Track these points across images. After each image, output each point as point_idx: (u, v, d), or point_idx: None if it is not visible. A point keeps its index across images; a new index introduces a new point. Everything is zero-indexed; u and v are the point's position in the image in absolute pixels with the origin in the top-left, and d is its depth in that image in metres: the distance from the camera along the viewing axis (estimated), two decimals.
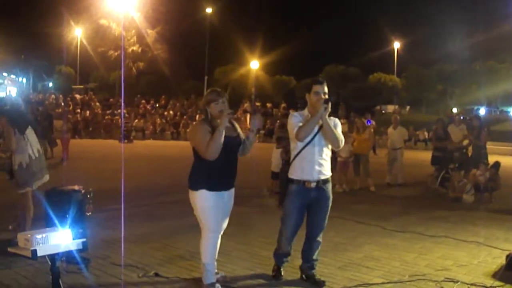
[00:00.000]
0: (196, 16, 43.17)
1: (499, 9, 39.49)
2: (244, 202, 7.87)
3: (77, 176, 9.94)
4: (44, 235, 3.68)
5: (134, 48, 43.55)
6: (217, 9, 43.61)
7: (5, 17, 46.37)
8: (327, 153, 4.67)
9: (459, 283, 4.77)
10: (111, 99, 37.79)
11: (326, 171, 4.66)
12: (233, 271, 4.96)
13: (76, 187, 5.12)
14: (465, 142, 12.28)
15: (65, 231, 3.85)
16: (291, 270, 4.94)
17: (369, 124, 12.49)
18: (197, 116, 31.18)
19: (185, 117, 33.01)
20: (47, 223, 4.59)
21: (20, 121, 6.17)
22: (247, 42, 44.64)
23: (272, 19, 52.38)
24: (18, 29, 46.36)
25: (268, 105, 37.63)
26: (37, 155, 6.12)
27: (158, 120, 32.36)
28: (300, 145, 4.58)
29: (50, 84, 52.96)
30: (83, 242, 3.90)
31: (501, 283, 4.78)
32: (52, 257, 3.74)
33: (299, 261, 4.88)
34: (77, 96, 37.18)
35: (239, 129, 4.46)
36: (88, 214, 5.14)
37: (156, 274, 4.79)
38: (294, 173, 4.66)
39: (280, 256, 4.87)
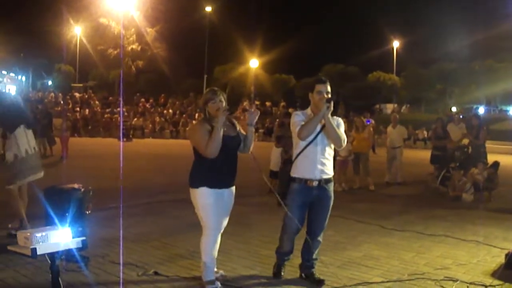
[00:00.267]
0: (195, 15, 43.23)
1: (498, 9, 39.51)
2: (243, 201, 7.87)
3: (77, 175, 9.93)
4: (43, 234, 3.68)
5: (134, 46, 43.50)
6: (216, 8, 43.70)
7: (4, 15, 46.42)
8: (329, 152, 4.68)
9: (458, 282, 4.77)
10: (110, 98, 37.84)
11: (329, 171, 4.66)
12: (233, 270, 4.95)
13: (75, 186, 5.11)
14: (464, 141, 12.30)
15: (65, 230, 3.86)
16: (290, 269, 4.93)
17: (368, 123, 12.51)
18: (197, 115, 31.22)
19: (184, 115, 33.04)
20: (47, 222, 4.58)
21: (6, 122, 6.18)
22: (247, 40, 44.73)
23: (271, 18, 52.29)
24: (17, 27, 46.41)
25: (268, 103, 37.69)
26: (23, 154, 6.13)
27: (157, 119, 32.39)
28: (303, 144, 4.59)
29: (50, 82, 53.01)
30: (82, 241, 3.91)
31: (500, 282, 4.78)
32: (52, 255, 3.75)
33: (298, 260, 4.88)
34: (77, 95, 37.22)
35: (239, 128, 4.48)
36: (87, 212, 5.13)
37: (156, 273, 4.79)
38: (296, 172, 4.66)
39: (282, 255, 4.87)
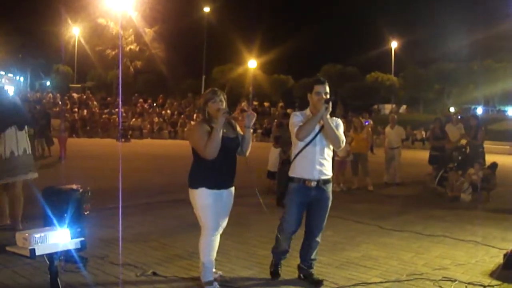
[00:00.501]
0: (194, 15, 43.25)
1: (497, 9, 39.58)
2: (241, 202, 7.85)
3: (75, 175, 9.93)
4: (42, 234, 3.68)
5: (132, 47, 43.49)
6: (214, 8, 43.68)
7: (2, 16, 46.32)
8: (328, 153, 4.67)
9: (456, 282, 4.78)
10: (108, 98, 37.79)
11: (327, 171, 4.66)
12: (232, 271, 4.96)
13: (74, 186, 5.11)
14: (462, 141, 12.31)
15: (63, 230, 3.86)
16: (289, 269, 4.94)
17: (366, 124, 12.53)
18: (195, 115, 31.19)
19: (182, 116, 33.01)
20: (45, 222, 4.57)
21: None
22: (245, 41, 44.70)
23: (269, 19, 52.33)
24: (15, 27, 46.34)
25: (266, 104, 37.66)
26: (8, 155, 6.13)
27: (156, 119, 32.35)
28: (301, 144, 4.59)
29: (48, 83, 52.97)
30: (81, 241, 3.91)
31: (499, 282, 4.79)
32: (50, 256, 3.75)
33: (297, 260, 4.88)
34: (75, 95, 37.22)
35: (238, 129, 4.48)
36: (86, 213, 5.12)
37: (154, 273, 4.79)
38: (295, 172, 4.66)
39: (278, 254, 4.87)
